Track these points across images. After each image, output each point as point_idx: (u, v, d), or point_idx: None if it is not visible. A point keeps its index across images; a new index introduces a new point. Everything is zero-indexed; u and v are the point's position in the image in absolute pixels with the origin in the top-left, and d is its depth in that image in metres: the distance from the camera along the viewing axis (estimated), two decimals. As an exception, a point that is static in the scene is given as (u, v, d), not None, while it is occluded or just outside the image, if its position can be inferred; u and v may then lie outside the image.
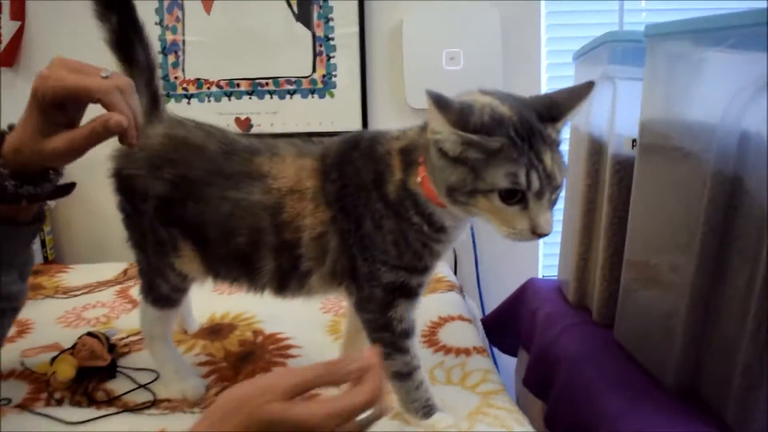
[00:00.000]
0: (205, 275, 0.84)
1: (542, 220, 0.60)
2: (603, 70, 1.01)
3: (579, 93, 0.64)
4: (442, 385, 0.86)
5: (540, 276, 1.78)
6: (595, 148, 1.07)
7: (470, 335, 1.05)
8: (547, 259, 1.78)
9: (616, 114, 0.99)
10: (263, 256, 0.77)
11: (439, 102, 0.60)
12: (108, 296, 1.31)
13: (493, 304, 1.57)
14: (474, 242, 1.70)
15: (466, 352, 0.97)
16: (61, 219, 1.76)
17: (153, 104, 0.83)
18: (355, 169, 0.73)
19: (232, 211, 0.76)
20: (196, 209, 0.78)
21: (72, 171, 1.97)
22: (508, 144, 0.59)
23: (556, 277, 1.31)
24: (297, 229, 0.74)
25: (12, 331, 1.06)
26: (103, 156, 1.65)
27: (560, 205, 1.12)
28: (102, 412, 0.80)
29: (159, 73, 0.85)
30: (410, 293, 0.75)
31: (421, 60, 1.60)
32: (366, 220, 0.72)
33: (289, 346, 1.01)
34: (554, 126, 0.62)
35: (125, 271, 1.49)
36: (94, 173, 1.87)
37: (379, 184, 0.71)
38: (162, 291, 0.84)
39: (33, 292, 1.34)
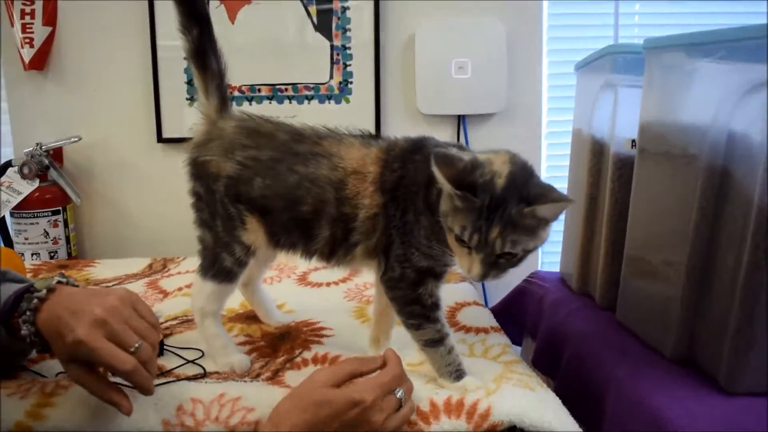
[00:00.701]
0: (267, 244, 0.93)
1: (474, 268, 0.75)
2: (606, 78, 1.11)
3: (559, 197, 0.73)
4: (466, 357, 0.93)
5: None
6: (597, 149, 1.17)
7: (486, 317, 1.13)
8: (546, 256, 1.88)
9: (617, 117, 1.08)
10: (321, 225, 0.87)
11: (442, 160, 0.74)
12: (138, 288, 1.36)
13: (495, 297, 1.66)
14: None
15: (485, 330, 1.06)
16: (83, 217, 1.81)
17: (222, 103, 0.95)
18: (414, 168, 0.84)
19: (300, 183, 0.86)
20: (263, 183, 0.88)
21: (94, 171, 2.08)
22: (478, 207, 0.72)
23: (558, 270, 1.41)
24: (356, 206, 0.85)
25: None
26: (126, 159, 1.76)
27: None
28: (162, 380, 0.85)
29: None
30: (437, 275, 0.86)
31: (431, 69, 1.67)
32: (410, 210, 0.83)
33: (321, 328, 1.08)
34: (522, 209, 0.72)
35: (150, 266, 1.55)
36: (115, 175, 1.95)
37: (428, 186, 0.82)
38: (225, 264, 0.92)
39: (66, 283, 1.40)
